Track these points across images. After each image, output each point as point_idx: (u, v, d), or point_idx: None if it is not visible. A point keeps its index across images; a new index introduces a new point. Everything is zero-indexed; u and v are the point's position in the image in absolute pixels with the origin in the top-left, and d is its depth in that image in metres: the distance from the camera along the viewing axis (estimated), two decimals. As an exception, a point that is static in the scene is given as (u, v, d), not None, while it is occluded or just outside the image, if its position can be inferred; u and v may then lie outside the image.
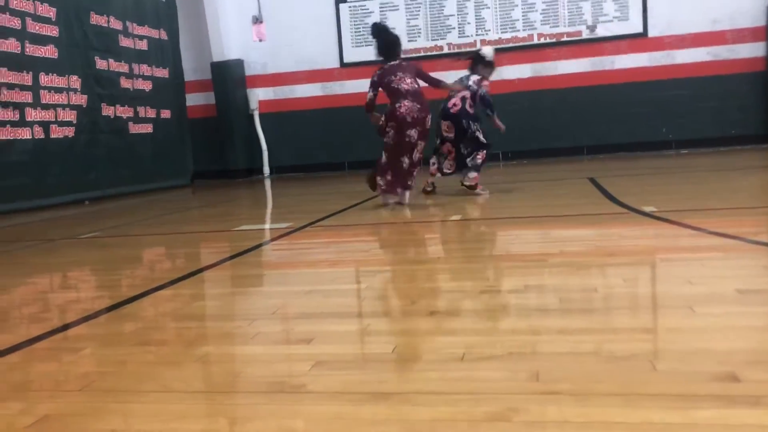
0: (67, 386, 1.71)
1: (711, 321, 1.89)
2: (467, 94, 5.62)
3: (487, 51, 5.86)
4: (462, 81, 5.73)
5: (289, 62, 10.63)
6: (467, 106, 5.61)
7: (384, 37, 5.27)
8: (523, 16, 9.83)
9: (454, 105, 5.63)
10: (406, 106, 5.06)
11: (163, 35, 9.56)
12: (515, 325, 1.99)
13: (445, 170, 5.86)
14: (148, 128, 9.11)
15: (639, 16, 9.48)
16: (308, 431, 1.33)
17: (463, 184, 5.70)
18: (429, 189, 5.96)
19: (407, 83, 5.10)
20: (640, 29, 9.48)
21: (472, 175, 5.62)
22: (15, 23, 6.86)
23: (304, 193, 7.85)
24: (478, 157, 5.63)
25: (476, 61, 5.79)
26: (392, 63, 5.21)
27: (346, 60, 10.48)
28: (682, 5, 9.25)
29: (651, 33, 9.46)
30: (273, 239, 4.19)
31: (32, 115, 7.05)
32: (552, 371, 1.56)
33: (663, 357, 1.65)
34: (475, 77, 5.73)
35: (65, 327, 2.31)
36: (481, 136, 5.65)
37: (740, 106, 9.18)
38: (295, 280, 2.96)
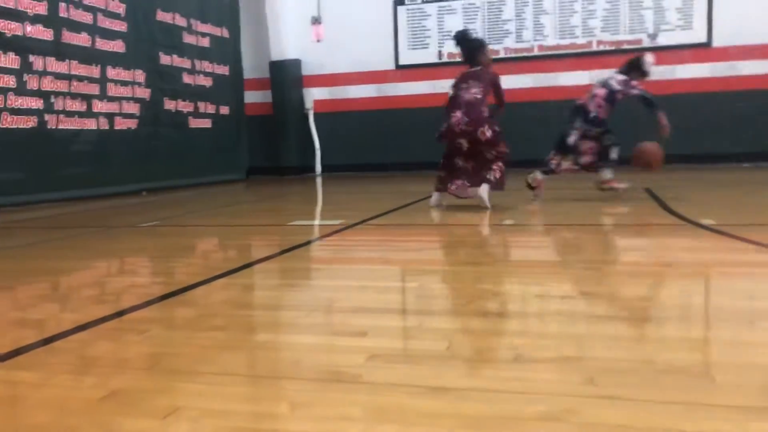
0: (135, 364, 1.79)
1: (772, 336, 1.86)
2: (600, 92, 5.53)
3: (649, 59, 5.72)
4: (601, 79, 5.63)
5: (345, 63, 10.74)
6: (594, 105, 5.54)
7: (464, 45, 5.35)
8: (582, 22, 9.72)
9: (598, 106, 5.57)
10: (456, 117, 5.12)
11: (225, 33, 9.79)
12: (569, 330, 1.99)
13: (582, 162, 5.69)
14: (206, 123, 9.34)
15: (704, 25, 9.26)
16: (365, 420, 1.37)
17: (600, 188, 5.66)
18: (534, 186, 5.84)
19: (471, 93, 5.14)
20: (704, 39, 9.27)
21: (607, 176, 5.56)
22: (87, 18, 7.14)
23: (355, 191, 7.93)
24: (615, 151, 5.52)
25: (633, 65, 5.67)
26: (472, 69, 5.29)
27: (401, 62, 10.53)
28: (749, 15, 9.00)
29: (715, 43, 9.23)
30: (325, 235, 4.26)
31: (98, 106, 7.32)
32: (608, 376, 1.57)
33: (722, 369, 1.63)
34: (620, 77, 5.58)
35: (129, 309, 2.41)
36: (607, 139, 5.56)
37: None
38: (347, 275, 3.01)
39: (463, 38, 5.38)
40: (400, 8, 10.49)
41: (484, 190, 5.08)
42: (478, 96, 5.14)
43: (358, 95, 10.78)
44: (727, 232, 3.62)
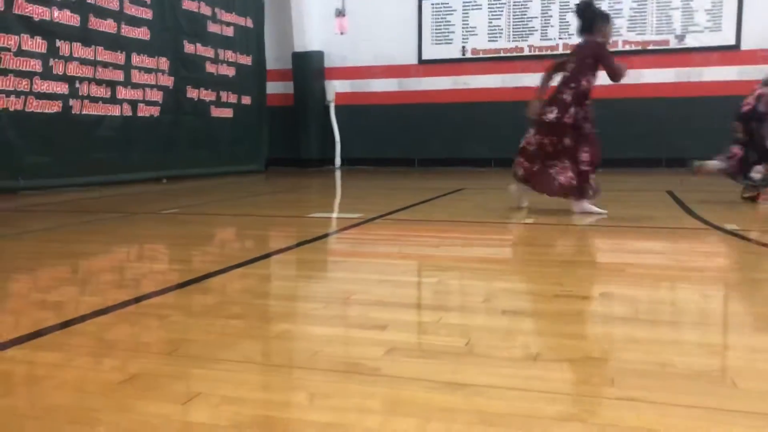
0: (155, 349, 1.80)
1: (797, 344, 1.83)
2: (766, 91, 5.09)
3: None
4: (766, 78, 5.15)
5: (368, 56, 10.72)
6: (762, 106, 5.06)
7: (586, 14, 4.77)
8: (609, 21, 9.61)
9: (747, 104, 5.17)
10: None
11: (249, 23, 9.82)
12: (590, 331, 1.98)
13: (721, 168, 5.32)
14: (228, 113, 9.38)
15: (732, 28, 9.13)
16: (383, 412, 1.37)
17: (742, 197, 5.27)
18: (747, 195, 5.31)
19: (566, 69, 4.79)
20: (732, 41, 9.13)
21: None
22: (113, 4, 7.19)
23: (374, 186, 7.93)
24: (759, 170, 5.03)
25: None
26: (580, 43, 4.83)
27: (424, 57, 10.50)
28: (779, 19, 8.86)
29: (744, 46, 9.10)
30: (344, 228, 4.26)
31: (122, 93, 7.37)
32: (628, 378, 1.55)
33: (745, 375, 1.61)
34: None
35: (148, 295, 2.42)
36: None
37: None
38: (367, 268, 3.01)
39: (587, 6, 4.76)
40: (425, 2, 10.44)
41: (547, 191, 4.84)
42: (566, 73, 4.76)
43: (380, 89, 10.77)
44: (751, 237, 3.57)
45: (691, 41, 9.32)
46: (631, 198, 6.06)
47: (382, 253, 3.46)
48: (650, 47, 9.44)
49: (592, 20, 4.67)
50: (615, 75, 4.69)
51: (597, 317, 2.13)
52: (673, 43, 9.38)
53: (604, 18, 4.75)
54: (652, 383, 1.52)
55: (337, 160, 11.04)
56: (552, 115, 4.68)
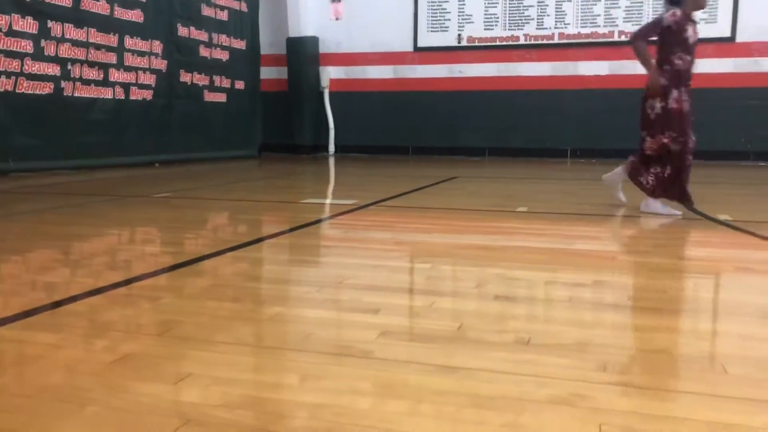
0: (147, 330, 1.80)
1: (787, 332, 1.84)
2: None
3: None
4: None
5: (363, 43, 10.67)
6: None
7: None
8: (605, 11, 9.60)
9: None
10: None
11: (244, 7, 9.74)
12: (583, 317, 1.98)
13: None
14: (221, 97, 9.32)
15: (728, 20, 9.13)
16: (375, 394, 1.37)
17: None
18: None
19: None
20: (728, 33, 9.13)
21: None
22: (107, -14, 7.11)
23: (368, 173, 7.91)
24: None
25: None
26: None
27: (419, 44, 10.45)
28: (774, 11, 8.86)
29: (739, 38, 9.10)
30: (338, 214, 4.25)
31: (115, 75, 7.31)
32: (620, 364, 1.56)
33: (735, 362, 1.62)
34: None
35: (140, 277, 2.42)
36: None
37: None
38: (361, 254, 3.01)
39: None
40: (421, -10, 10.39)
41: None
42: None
43: (375, 76, 10.72)
44: (744, 228, 3.59)
45: (686, 32, 9.32)
46: (627, 188, 6.06)
47: (376, 239, 3.46)
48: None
49: None
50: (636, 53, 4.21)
51: (588, 304, 2.14)
52: (669, 34, 9.38)
53: None
54: (643, 369, 1.53)
55: (331, 147, 11.00)
56: None
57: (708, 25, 9.22)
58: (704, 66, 9.23)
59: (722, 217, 3.96)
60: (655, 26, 4.11)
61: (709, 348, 1.72)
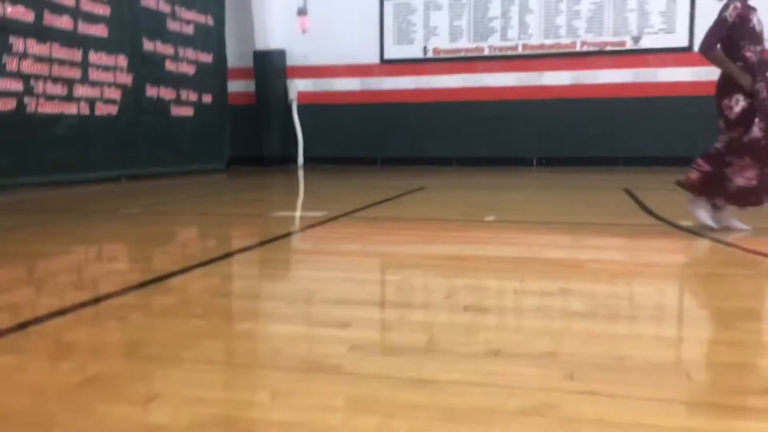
0: (114, 350, 1.77)
1: (747, 337, 1.89)
2: None
3: None
4: None
5: (330, 55, 10.69)
6: None
7: None
8: (567, 23, 9.77)
9: None
10: None
11: (210, 21, 9.70)
12: (550, 326, 2.01)
13: None
14: (188, 111, 9.25)
15: (685, 30, 9.36)
16: (346, 410, 1.37)
17: None
18: None
19: None
20: (685, 43, 9.36)
21: None
22: (70, 1, 7.02)
23: (337, 184, 7.91)
24: None
25: None
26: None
27: (386, 57, 10.52)
28: (731, 21, 9.10)
29: (696, 47, 9.33)
30: (308, 227, 4.24)
31: (80, 91, 7.21)
32: (587, 372, 1.58)
33: (698, 368, 1.66)
34: None
35: (107, 295, 2.38)
36: None
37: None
38: (330, 266, 3.01)
39: None
40: (386, 2, 10.46)
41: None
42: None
43: (343, 88, 10.75)
44: (704, 234, 3.67)
45: (646, 42, 9.53)
46: (589, 195, 6.17)
47: (345, 251, 3.46)
48: (608, 48, 9.62)
49: None
50: (702, 50, 3.91)
51: (556, 312, 2.17)
52: (630, 45, 9.57)
53: None
54: (610, 377, 1.55)
55: (300, 159, 10.98)
56: None
57: (667, 35, 9.45)
58: (664, 75, 9.46)
59: (684, 223, 4.04)
60: (722, 27, 3.77)
61: (672, 354, 1.75)
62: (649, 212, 4.73)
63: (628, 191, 6.12)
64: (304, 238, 3.89)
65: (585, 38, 9.70)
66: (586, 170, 9.31)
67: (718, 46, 3.82)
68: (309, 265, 3.12)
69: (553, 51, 9.83)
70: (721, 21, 3.77)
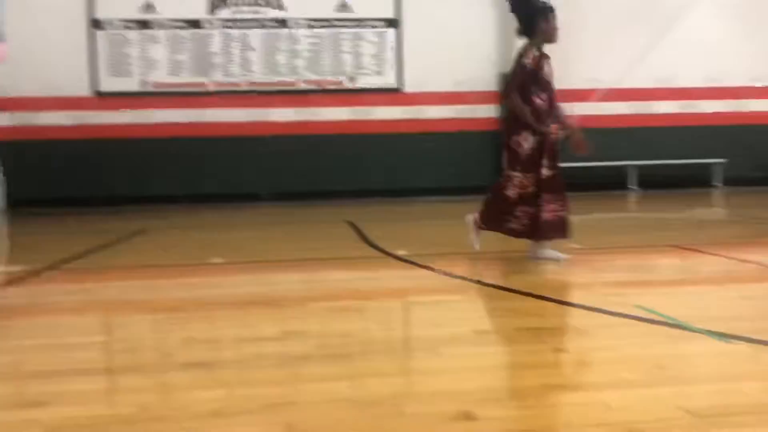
0: None
1: (452, 362, 2.06)
2: None
3: None
4: None
5: (33, 87, 9.67)
6: None
7: (520, 10, 4.00)
8: (287, 61, 10.08)
9: None
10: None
11: None
12: (273, 375, 1.98)
13: None
14: None
15: (393, 73, 10.24)
16: None
17: None
18: None
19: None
20: (395, 84, 10.24)
21: None
22: None
23: (46, 230, 7.11)
24: None
25: None
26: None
27: (102, 89, 9.82)
28: (431, 67, 10.15)
29: (406, 89, 10.26)
30: (4, 284, 3.72)
31: None
32: (306, 421, 1.58)
33: (411, 400, 1.75)
34: None
35: None
36: None
37: (478, 159, 10.23)
38: (29, 332, 2.64)
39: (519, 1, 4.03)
40: (99, 33, 9.79)
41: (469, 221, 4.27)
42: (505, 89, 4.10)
43: (51, 122, 9.76)
44: (418, 262, 3.97)
45: (362, 83, 10.22)
46: (313, 229, 6.36)
47: (50, 310, 3.08)
48: (327, 87, 10.12)
49: (527, 20, 3.95)
50: (504, 95, 4.03)
51: (280, 359, 2.15)
52: (347, 84, 10.18)
53: (538, 13, 3.93)
54: (327, 423, 1.57)
55: (0, 202, 9.68)
56: None
57: (378, 77, 10.25)
58: (378, 113, 10.23)
59: (400, 252, 4.35)
60: (523, 73, 3.94)
61: (388, 390, 1.83)
62: (369, 243, 5.00)
63: (351, 224, 6.42)
64: None
65: (306, 76, 10.10)
66: (314, 204, 9.61)
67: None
68: (2, 333, 2.71)
69: (276, 88, 10.05)
70: (521, 67, 3.94)
